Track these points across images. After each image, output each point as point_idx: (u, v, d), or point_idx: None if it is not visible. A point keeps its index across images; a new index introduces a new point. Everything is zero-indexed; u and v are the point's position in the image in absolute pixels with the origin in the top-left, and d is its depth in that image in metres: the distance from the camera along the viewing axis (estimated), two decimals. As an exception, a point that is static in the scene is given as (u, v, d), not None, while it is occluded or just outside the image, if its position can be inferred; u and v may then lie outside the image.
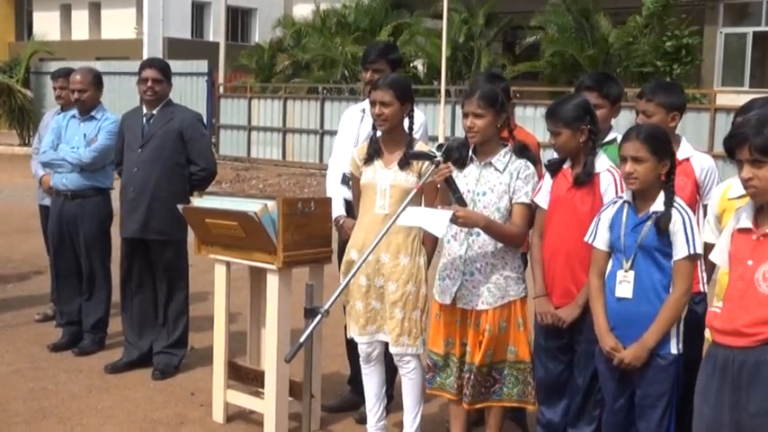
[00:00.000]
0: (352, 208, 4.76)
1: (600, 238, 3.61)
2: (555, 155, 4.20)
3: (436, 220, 3.71)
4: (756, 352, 2.88)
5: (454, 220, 3.77)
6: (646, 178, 3.46)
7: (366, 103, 4.89)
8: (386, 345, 4.32)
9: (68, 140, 5.98)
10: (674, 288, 3.44)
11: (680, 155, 3.92)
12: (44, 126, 6.75)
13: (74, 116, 6.06)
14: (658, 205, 3.47)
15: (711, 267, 3.73)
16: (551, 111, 3.89)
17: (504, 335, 3.98)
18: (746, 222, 2.97)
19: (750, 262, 2.92)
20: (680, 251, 3.42)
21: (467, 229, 3.96)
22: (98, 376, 5.53)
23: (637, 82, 17.19)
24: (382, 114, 4.20)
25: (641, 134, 3.47)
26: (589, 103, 3.94)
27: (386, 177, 4.22)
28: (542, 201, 3.95)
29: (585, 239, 3.67)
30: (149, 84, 5.46)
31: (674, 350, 3.49)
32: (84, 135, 5.95)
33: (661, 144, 3.48)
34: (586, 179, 3.82)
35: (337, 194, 4.86)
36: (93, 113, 6.00)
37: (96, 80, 6.04)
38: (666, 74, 17.50)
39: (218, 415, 4.85)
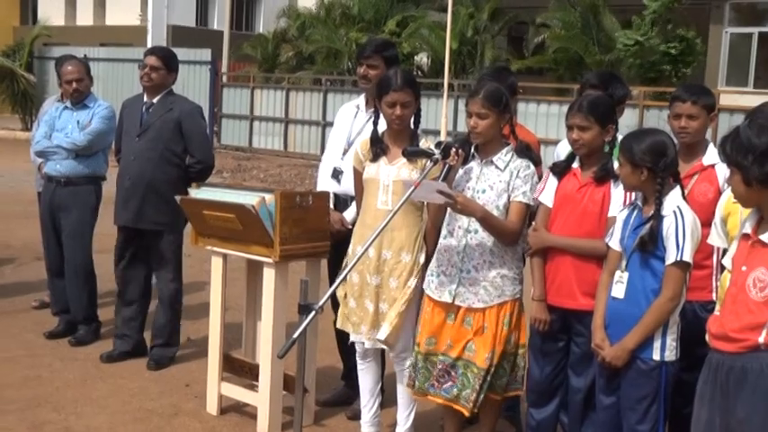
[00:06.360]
0: (340, 202, 4.75)
1: (614, 237, 3.61)
2: (558, 152, 4.18)
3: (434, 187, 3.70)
4: (743, 358, 2.89)
5: (453, 205, 3.75)
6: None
7: (361, 99, 4.86)
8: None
9: (61, 129, 5.96)
10: (661, 293, 3.43)
11: (705, 161, 3.91)
12: (43, 112, 6.71)
13: (66, 107, 6.04)
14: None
15: None
16: (586, 105, 3.79)
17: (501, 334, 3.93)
18: (747, 228, 2.98)
19: (744, 267, 2.93)
20: (669, 256, 3.40)
21: (465, 226, 3.93)
22: (93, 365, 5.52)
23: (641, 82, 17.11)
24: (403, 116, 4.14)
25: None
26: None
27: (389, 173, 4.17)
28: (547, 199, 3.91)
29: (605, 239, 3.66)
30: (146, 70, 5.45)
31: (655, 356, 3.46)
32: (78, 122, 5.93)
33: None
34: (608, 176, 3.77)
35: (327, 188, 4.83)
36: (85, 102, 5.99)
37: (87, 68, 6.06)
38: (676, 77, 17.42)
39: (212, 407, 4.84)
